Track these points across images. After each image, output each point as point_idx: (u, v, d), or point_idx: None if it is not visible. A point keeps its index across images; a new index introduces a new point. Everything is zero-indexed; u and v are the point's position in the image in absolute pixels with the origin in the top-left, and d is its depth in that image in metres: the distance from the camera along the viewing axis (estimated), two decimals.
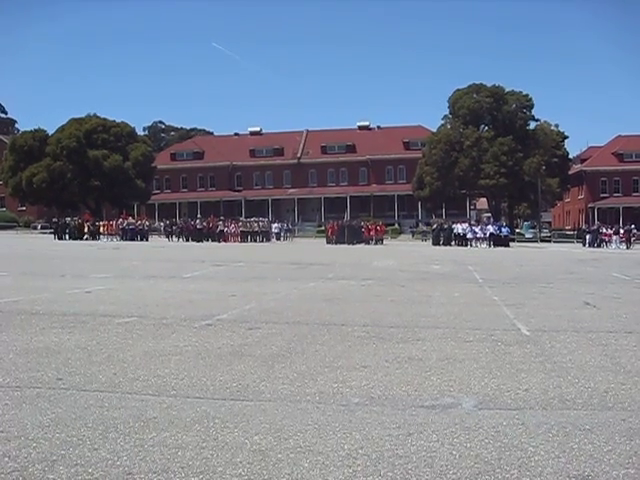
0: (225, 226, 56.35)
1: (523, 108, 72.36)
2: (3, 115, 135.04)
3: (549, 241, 65.65)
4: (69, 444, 4.04)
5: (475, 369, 6.41)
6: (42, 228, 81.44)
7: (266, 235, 56.82)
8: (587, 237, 53.53)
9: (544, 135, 71.02)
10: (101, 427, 4.40)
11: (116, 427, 4.40)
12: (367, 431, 4.40)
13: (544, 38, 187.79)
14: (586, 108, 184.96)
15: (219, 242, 51.61)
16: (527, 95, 72.59)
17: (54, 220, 60.21)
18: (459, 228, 50.66)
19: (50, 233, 66.95)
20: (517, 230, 75.77)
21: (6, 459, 3.76)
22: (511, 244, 51.22)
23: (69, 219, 59.24)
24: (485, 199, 79.92)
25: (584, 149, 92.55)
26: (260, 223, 58.37)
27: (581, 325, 9.44)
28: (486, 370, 6.37)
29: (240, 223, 58.49)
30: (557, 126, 74.05)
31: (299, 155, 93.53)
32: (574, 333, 8.70)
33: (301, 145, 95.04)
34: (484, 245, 48.81)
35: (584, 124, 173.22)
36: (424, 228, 65.90)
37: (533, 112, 73.09)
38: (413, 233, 67.29)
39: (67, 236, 54.95)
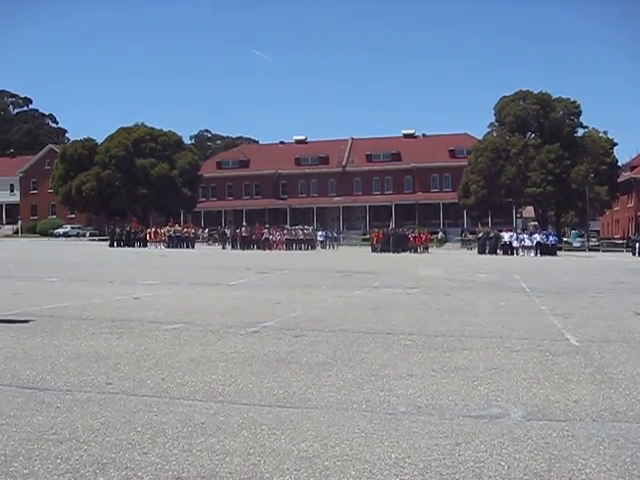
0: (270, 234, 56.56)
1: (571, 115, 71.39)
2: (54, 125, 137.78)
3: (597, 250, 64.59)
4: (119, 447, 4.09)
5: (523, 379, 6.33)
6: (90, 235, 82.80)
7: (311, 243, 56.92)
8: (637, 246, 52.53)
9: (592, 142, 69.93)
10: (150, 431, 4.44)
11: (165, 432, 4.44)
12: (414, 440, 4.38)
13: (591, 45, 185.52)
14: (636, 114, 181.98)
15: (264, 250, 51.80)
16: (575, 102, 71.61)
17: (111, 227, 61.22)
18: (505, 236, 50.14)
19: (99, 240, 68.13)
20: (564, 239, 74.70)
21: (59, 460, 3.82)
22: (558, 253, 50.50)
23: (116, 227, 60.05)
24: (532, 207, 78.96)
25: (634, 156, 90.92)
26: (305, 231, 58.52)
27: (632, 336, 9.26)
28: (534, 380, 6.29)
29: (285, 231, 58.71)
30: (606, 133, 72.79)
31: (344, 163, 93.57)
32: (624, 344, 8.54)
33: (346, 153, 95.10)
34: (531, 254, 48.20)
35: (634, 131, 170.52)
36: (469, 236, 65.28)
37: (581, 119, 72.06)
38: (463, 242, 66.27)
39: (115, 243, 55.69)
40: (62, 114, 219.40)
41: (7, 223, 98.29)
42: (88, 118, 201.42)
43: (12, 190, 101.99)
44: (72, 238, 78.82)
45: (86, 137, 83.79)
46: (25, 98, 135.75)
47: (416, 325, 10.06)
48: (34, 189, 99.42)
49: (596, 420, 4.98)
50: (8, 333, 8.46)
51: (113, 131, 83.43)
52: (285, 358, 7.21)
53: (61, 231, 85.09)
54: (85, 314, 10.62)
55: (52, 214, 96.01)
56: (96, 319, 10.05)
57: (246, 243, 54.28)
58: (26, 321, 9.52)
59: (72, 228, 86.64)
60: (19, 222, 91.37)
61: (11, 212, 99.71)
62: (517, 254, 48.39)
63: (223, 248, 55.62)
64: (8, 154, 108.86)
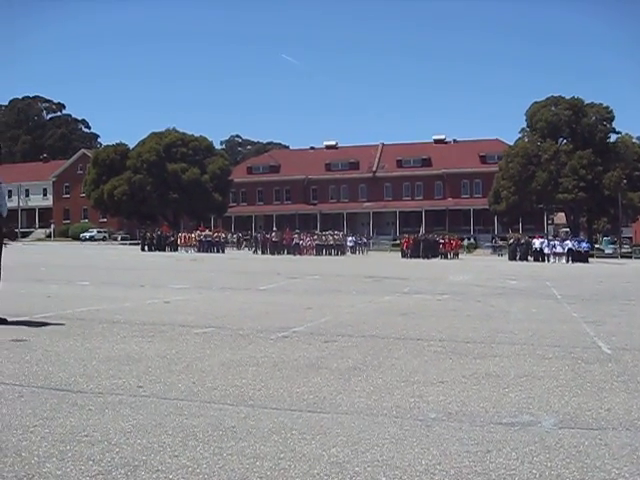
0: (300, 239, 56.69)
1: (603, 120, 70.77)
2: (87, 130, 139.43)
3: (630, 257, 63.89)
4: (150, 450, 4.11)
5: (555, 387, 6.27)
6: (122, 239, 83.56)
7: (341, 248, 56.97)
8: None
9: (625, 148, 69.30)
10: (181, 435, 4.46)
11: (195, 435, 4.46)
12: (445, 447, 4.35)
13: (624, 51, 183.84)
14: None
15: (294, 255, 51.91)
16: (607, 107, 70.95)
17: (142, 232, 61.78)
18: (536, 243, 49.80)
19: (130, 244, 68.70)
20: (596, 245, 73.95)
21: (90, 462, 3.85)
22: (590, 260, 50.01)
23: (147, 231, 60.50)
24: (563, 214, 78.33)
25: None
26: (335, 236, 58.58)
27: None
28: (566, 388, 6.22)
29: (315, 236, 58.82)
30: (639, 139, 72.04)
31: (374, 169, 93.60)
32: None
33: (376, 159, 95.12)
34: (562, 260, 47.80)
35: None
36: (500, 243, 64.91)
37: (614, 124, 71.44)
38: (494, 248, 65.93)
39: (147, 247, 56.12)
40: (95, 119, 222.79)
41: (40, 227, 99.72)
42: (120, 123, 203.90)
43: (45, 194, 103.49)
44: (101, 242, 79.49)
45: (118, 142, 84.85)
46: (59, 103, 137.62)
47: (446, 331, 10.00)
48: (67, 193, 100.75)
49: (629, 429, 4.91)
50: (41, 336, 8.55)
51: (145, 136, 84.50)
52: (315, 363, 7.20)
53: (87, 235, 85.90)
54: (117, 317, 10.70)
55: (84, 218, 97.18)
56: (127, 322, 10.11)
57: (276, 248, 54.43)
58: (59, 324, 9.62)
59: (98, 232, 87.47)
60: (52, 226, 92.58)
61: (44, 216, 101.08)
62: (548, 261, 48.04)
63: (255, 252, 55.84)
64: (41, 159, 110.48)
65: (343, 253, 56.28)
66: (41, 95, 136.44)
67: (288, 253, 53.29)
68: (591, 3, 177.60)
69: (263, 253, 54.44)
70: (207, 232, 59.79)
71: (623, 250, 69.08)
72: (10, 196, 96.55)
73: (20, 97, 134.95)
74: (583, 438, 4.62)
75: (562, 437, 4.64)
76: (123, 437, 4.38)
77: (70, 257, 38.87)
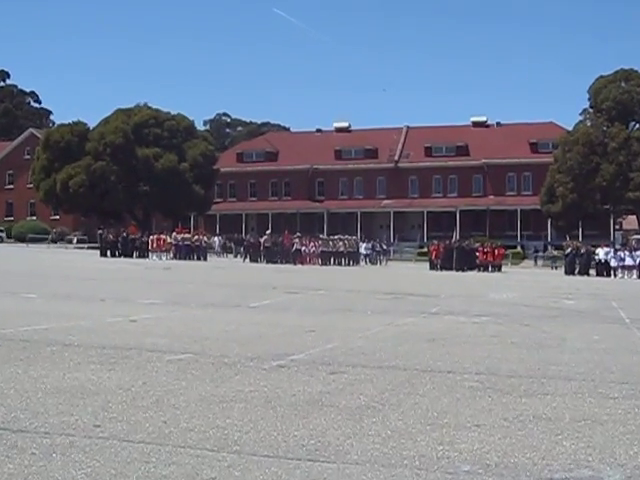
0: (302, 244, 56.61)
1: None
2: (36, 105, 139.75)
3: None
4: None
5: (621, 434, 6.25)
6: (78, 242, 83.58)
7: (353, 257, 56.88)
8: None
9: None
10: None
11: None
12: None
13: None
14: None
15: (294, 264, 51.87)
16: None
17: (102, 233, 61.39)
18: (601, 253, 49.68)
19: (89, 248, 68.77)
20: None
21: None
22: None
23: (109, 232, 60.37)
24: (635, 217, 78.17)
25: None
26: (346, 242, 58.46)
27: None
28: (635, 436, 6.20)
29: (321, 241, 58.72)
30: None
31: (397, 158, 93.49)
32: None
33: (399, 145, 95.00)
34: (633, 275, 47.72)
35: None
36: (554, 252, 64.85)
37: None
38: (537, 258, 66.22)
39: (109, 252, 56.03)
40: (46, 92, 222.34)
41: None
42: (78, 97, 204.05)
43: None
44: (53, 245, 79.42)
45: (75, 120, 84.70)
46: (2, 71, 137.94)
47: (485, 362, 10.00)
48: (10, 183, 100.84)
49: None
50: None
51: (109, 113, 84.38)
52: (318, 400, 7.20)
53: None
54: (70, 339, 10.71)
55: (31, 215, 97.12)
56: (83, 345, 10.13)
57: (271, 255, 54.38)
58: None
59: None
60: None
61: None
62: (615, 276, 47.94)
63: (245, 260, 55.93)
64: None
65: (356, 263, 56.23)
66: None
67: (286, 262, 53.19)
68: None
69: (255, 261, 54.48)
70: (186, 234, 59.84)
71: None
72: None
73: None
74: None
75: None
76: None
77: (14, 263, 38.97)
